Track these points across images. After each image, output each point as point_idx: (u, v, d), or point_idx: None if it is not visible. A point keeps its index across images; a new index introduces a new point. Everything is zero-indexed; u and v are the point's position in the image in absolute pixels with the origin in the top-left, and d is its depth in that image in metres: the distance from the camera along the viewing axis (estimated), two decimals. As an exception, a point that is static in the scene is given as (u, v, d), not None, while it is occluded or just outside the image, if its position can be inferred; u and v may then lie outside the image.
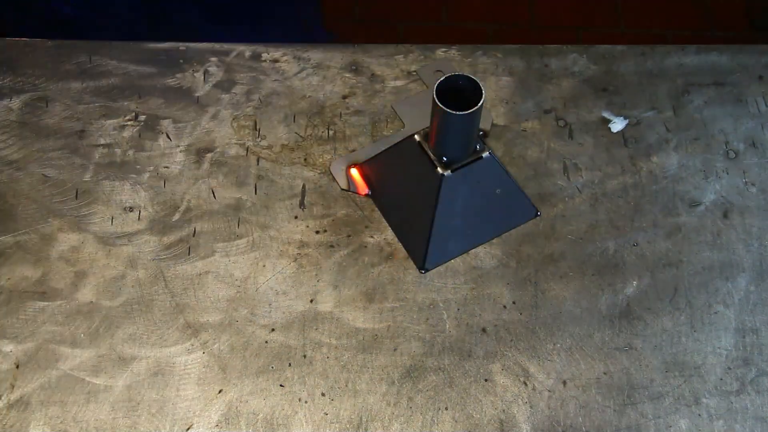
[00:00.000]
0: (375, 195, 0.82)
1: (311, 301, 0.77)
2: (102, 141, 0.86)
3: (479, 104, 0.67)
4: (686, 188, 0.84)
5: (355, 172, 0.82)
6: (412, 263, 0.79)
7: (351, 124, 0.87)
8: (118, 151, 0.86)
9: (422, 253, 0.78)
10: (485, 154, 0.74)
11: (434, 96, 0.67)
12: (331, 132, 0.87)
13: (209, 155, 0.86)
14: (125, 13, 1.08)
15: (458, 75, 0.68)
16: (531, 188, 0.83)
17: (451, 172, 0.73)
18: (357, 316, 0.77)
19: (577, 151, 0.86)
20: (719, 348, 0.75)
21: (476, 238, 0.80)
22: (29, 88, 0.90)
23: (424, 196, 0.75)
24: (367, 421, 0.71)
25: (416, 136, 0.74)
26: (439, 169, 0.73)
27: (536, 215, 0.81)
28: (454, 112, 0.67)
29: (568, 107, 0.89)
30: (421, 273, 0.78)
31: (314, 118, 0.88)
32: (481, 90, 0.67)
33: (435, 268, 0.79)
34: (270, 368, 0.74)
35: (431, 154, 0.73)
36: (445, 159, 0.73)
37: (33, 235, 0.80)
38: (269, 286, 0.78)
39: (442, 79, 0.68)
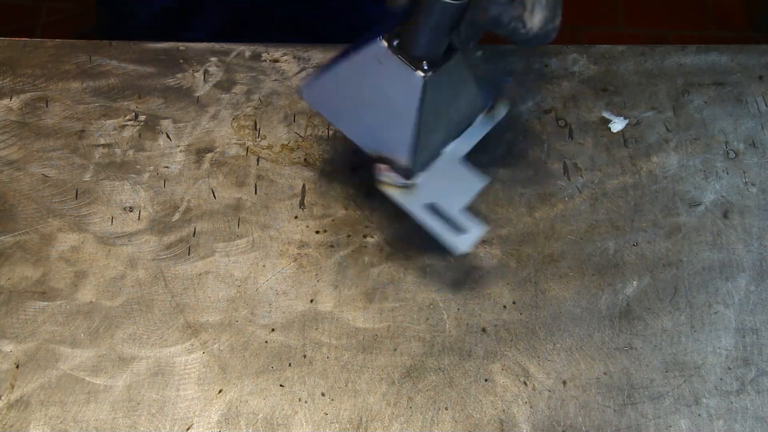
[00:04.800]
0: (332, 112, 0.77)
1: (311, 301, 0.77)
2: (102, 141, 0.86)
3: None
4: (686, 188, 0.84)
5: None
6: (412, 263, 0.79)
7: (351, 124, 0.87)
8: (118, 151, 0.86)
9: (408, 160, 0.75)
10: (458, 50, 0.70)
11: None
12: (331, 132, 0.87)
13: (209, 155, 0.86)
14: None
15: None
16: (531, 188, 0.83)
17: (432, 73, 0.70)
18: (357, 316, 0.77)
19: (577, 151, 0.86)
20: (719, 348, 0.75)
21: (454, 131, 0.78)
22: (29, 88, 0.90)
23: (403, 102, 0.71)
24: (367, 421, 0.71)
25: (383, 42, 0.69)
26: (419, 72, 0.70)
27: (507, 83, 0.81)
28: (452, 2, 0.63)
29: (568, 107, 0.89)
30: (410, 181, 0.75)
31: (314, 117, 0.88)
32: None
33: (422, 171, 0.76)
34: (270, 368, 0.74)
35: (404, 58, 0.69)
36: (419, 59, 0.69)
37: (33, 235, 0.80)
38: (269, 286, 0.78)
39: None
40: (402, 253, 0.80)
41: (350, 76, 0.74)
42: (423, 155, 0.76)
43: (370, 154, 0.76)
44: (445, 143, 0.79)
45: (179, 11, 1.06)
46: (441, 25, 0.67)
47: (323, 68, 0.77)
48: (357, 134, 0.77)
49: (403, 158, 0.75)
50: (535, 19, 0.67)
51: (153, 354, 0.75)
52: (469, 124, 0.80)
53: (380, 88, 0.73)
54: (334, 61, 0.75)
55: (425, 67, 0.70)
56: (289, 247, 0.80)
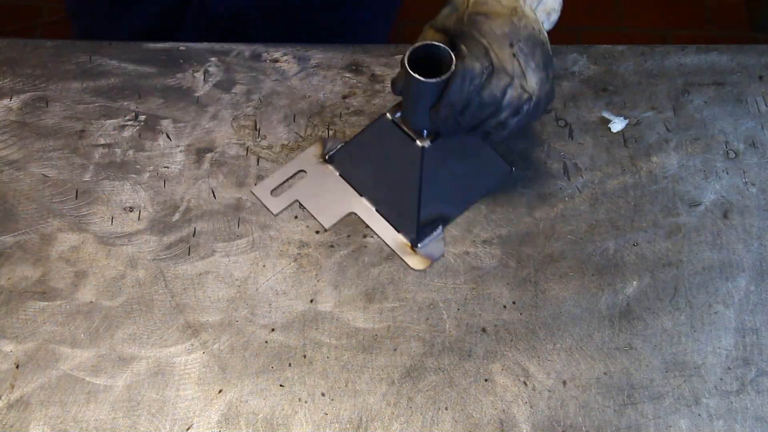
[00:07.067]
0: (354, 182, 0.81)
1: (311, 301, 0.77)
2: (102, 141, 0.86)
3: (450, 71, 0.67)
4: (686, 188, 0.84)
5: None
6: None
7: (351, 124, 0.87)
8: (118, 151, 0.86)
9: (414, 229, 0.79)
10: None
11: (406, 65, 0.67)
12: (330, 132, 0.87)
13: (209, 155, 0.86)
14: None
15: (430, 44, 0.68)
16: (531, 188, 0.83)
17: (430, 142, 0.73)
18: (357, 316, 0.77)
19: (577, 151, 0.86)
20: (719, 348, 0.75)
21: (460, 206, 0.81)
22: (29, 88, 0.90)
23: (407, 172, 0.76)
24: (367, 421, 0.71)
25: (387, 115, 0.74)
26: (418, 142, 0.73)
27: (511, 171, 0.83)
28: (426, 80, 0.67)
29: (568, 107, 0.89)
30: (417, 248, 0.79)
31: (314, 118, 0.88)
32: (452, 58, 0.67)
33: (427, 242, 0.80)
34: (270, 368, 0.74)
35: (406, 129, 0.73)
36: (420, 130, 0.73)
37: (33, 235, 0.80)
38: (269, 286, 0.78)
39: (413, 47, 0.68)
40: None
41: (364, 149, 0.78)
42: (430, 223, 0.80)
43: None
44: (456, 212, 0.81)
45: (165, 20, 1.05)
46: (423, 101, 0.70)
47: (351, 140, 0.81)
48: (375, 202, 0.81)
49: (409, 228, 0.79)
50: (532, 83, 0.69)
51: (153, 354, 0.75)
52: (471, 200, 0.82)
53: (389, 159, 0.77)
54: (360, 132, 0.79)
55: (424, 136, 0.73)
56: (289, 247, 0.80)
